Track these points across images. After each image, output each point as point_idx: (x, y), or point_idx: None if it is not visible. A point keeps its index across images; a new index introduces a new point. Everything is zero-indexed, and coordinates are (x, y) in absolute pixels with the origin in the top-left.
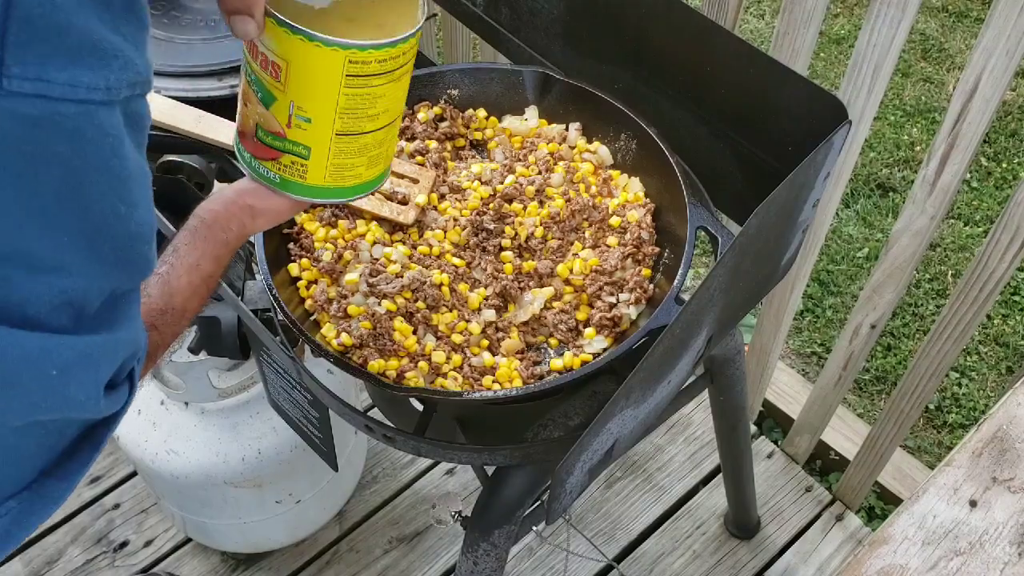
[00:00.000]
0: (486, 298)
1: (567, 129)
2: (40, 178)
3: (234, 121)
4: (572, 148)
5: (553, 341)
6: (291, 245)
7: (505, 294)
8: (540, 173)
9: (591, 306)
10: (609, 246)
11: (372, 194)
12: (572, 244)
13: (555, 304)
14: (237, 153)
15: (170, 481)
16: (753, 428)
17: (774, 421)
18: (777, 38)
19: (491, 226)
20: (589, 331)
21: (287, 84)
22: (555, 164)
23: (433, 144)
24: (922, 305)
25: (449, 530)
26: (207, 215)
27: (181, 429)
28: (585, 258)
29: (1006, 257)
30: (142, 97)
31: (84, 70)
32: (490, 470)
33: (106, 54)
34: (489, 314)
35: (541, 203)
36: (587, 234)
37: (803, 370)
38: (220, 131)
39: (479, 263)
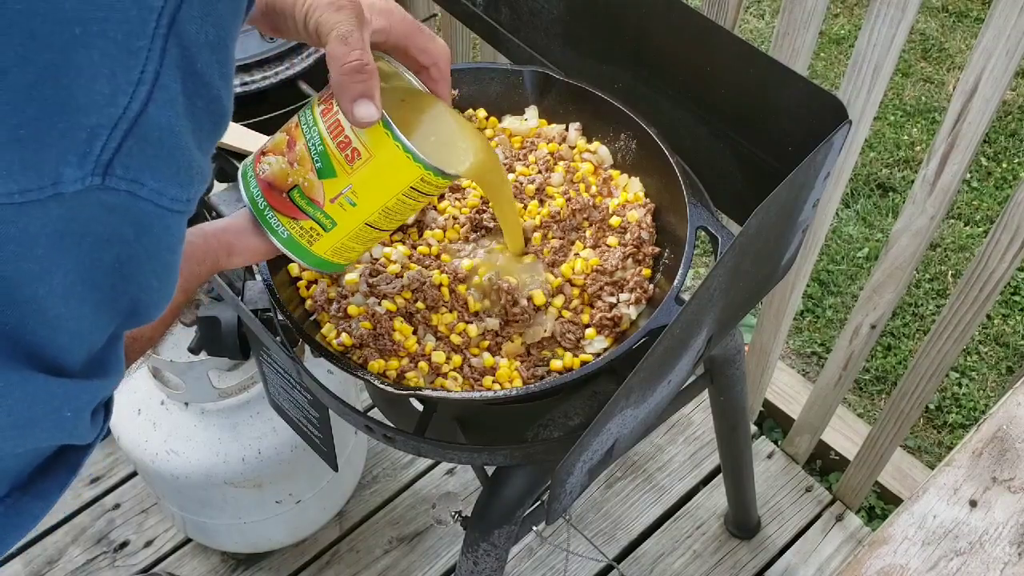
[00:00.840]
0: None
1: (567, 129)
2: (102, 253)
3: (235, 122)
4: (572, 148)
5: (560, 351)
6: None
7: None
8: (540, 172)
9: (591, 306)
10: (609, 246)
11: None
12: (573, 243)
13: (564, 312)
14: (244, 188)
15: (170, 481)
16: (753, 428)
17: (774, 421)
18: (777, 38)
19: (491, 224)
20: (589, 331)
21: (356, 171)
22: (555, 164)
23: None
24: (922, 305)
25: (449, 530)
26: (184, 247)
27: (181, 429)
28: (586, 258)
29: (1006, 257)
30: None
31: (174, 185)
32: (490, 470)
33: (193, 173)
34: (492, 322)
35: (541, 202)
36: (587, 233)
37: (803, 370)
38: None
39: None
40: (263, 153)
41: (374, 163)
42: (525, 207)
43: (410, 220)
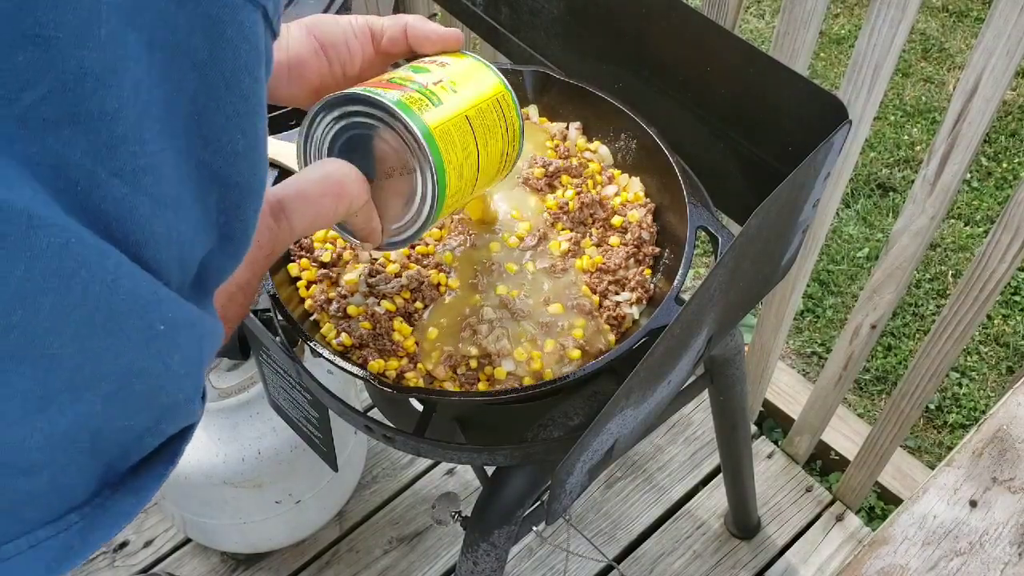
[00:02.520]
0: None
1: (567, 128)
2: (181, 86)
3: None
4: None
5: (576, 353)
6: (291, 245)
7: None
8: (562, 158)
9: (600, 306)
10: (612, 245)
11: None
12: (583, 237)
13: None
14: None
15: (170, 481)
16: (753, 428)
17: (774, 421)
18: (777, 38)
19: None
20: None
21: (448, 67)
22: (571, 156)
23: None
24: (922, 305)
25: (449, 530)
26: None
27: None
28: (591, 255)
29: (1006, 257)
30: (273, 28)
31: None
32: (490, 470)
33: None
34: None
35: (552, 188)
36: (592, 231)
37: (803, 370)
38: None
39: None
40: None
41: (462, 65)
42: (540, 190)
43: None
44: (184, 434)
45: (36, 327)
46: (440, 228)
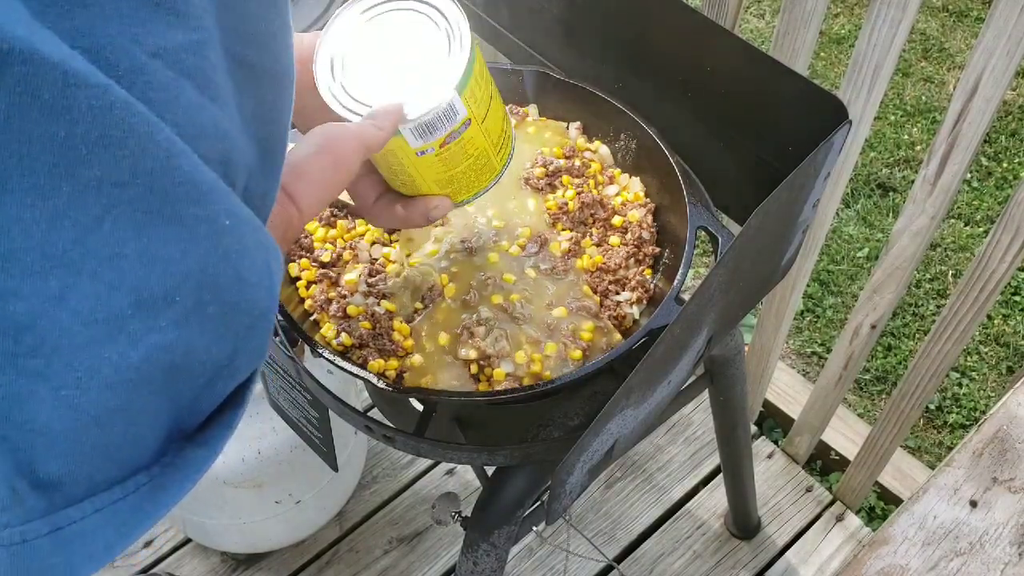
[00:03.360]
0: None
1: (567, 128)
2: None
3: None
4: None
5: (577, 354)
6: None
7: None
8: (566, 158)
9: (601, 306)
10: (612, 245)
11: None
12: (583, 237)
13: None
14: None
15: None
16: (753, 428)
17: (774, 421)
18: (777, 38)
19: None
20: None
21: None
22: (573, 156)
23: None
24: (922, 305)
25: (449, 530)
26: None
27: None
28: (591, 255)
29: (1006, 257)
30: None
31: None
32: (490, 470)
33: None
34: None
35: (552, 188)
36: (592, 231)
37: (803, 370)
38: None
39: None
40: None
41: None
42: (540, 190)
43: None
44: (251, 378)
45: (85, 211)
46: (440, 225)
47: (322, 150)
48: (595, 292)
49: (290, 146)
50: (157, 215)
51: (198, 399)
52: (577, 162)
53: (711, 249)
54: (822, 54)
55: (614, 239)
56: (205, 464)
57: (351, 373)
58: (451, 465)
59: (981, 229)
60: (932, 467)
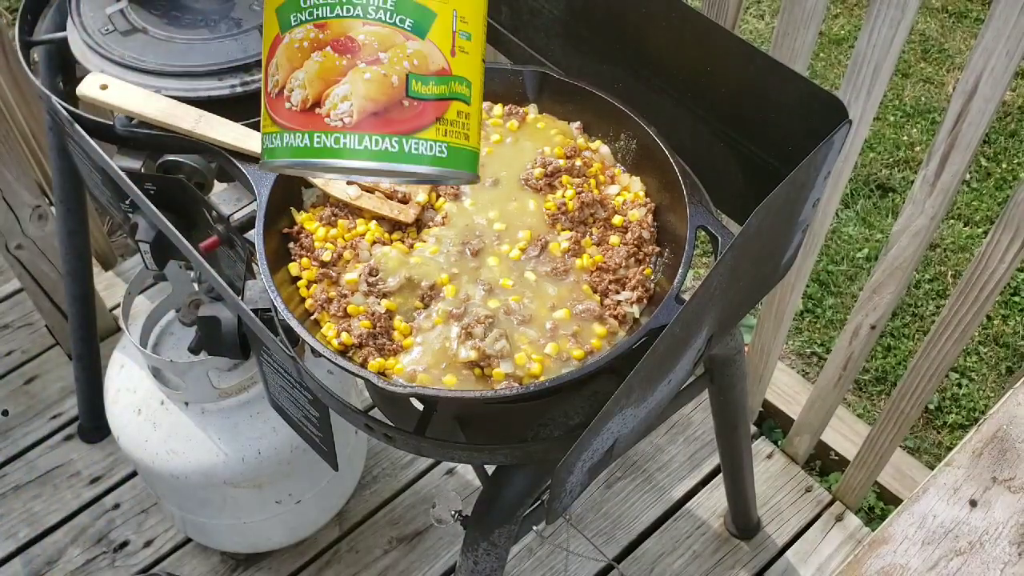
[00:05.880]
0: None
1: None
2: None
3: (234, 121)
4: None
5: (578, 353)
6: (291, 244)
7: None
8: (567, 158)
9: (601, 305)
10: (612, 244)
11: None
12: (583, 237)
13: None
14: (325, 153)
15: (170, 481)
16: (753, 428)
17: (774, 421)
18: (777, 38)
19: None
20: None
21: None
22: (574, 156)
23: None
24: (922, 305)
25: (449, 530)
26: None
27: (181, 429)
28: (591, 254)
29: (1006, 257)
30: None
31: None
32: (490, 469)
33: None
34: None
35: (552, 188)
36: (593, 231)
37: (803, 370)
38: (220, 130)
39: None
40: (297, 108)
41: None
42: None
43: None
44: None
45: None
46: (441, 225)
47: None
48: (595, 291)
49: None
50: None
51: None
52: (578, 162)
53: (711, 249)
54: (821, 55)
55: (614, 238)
56: None
57: (351, 372)
58: (451, 465)
59: (980, 230)
60: (931, 467)
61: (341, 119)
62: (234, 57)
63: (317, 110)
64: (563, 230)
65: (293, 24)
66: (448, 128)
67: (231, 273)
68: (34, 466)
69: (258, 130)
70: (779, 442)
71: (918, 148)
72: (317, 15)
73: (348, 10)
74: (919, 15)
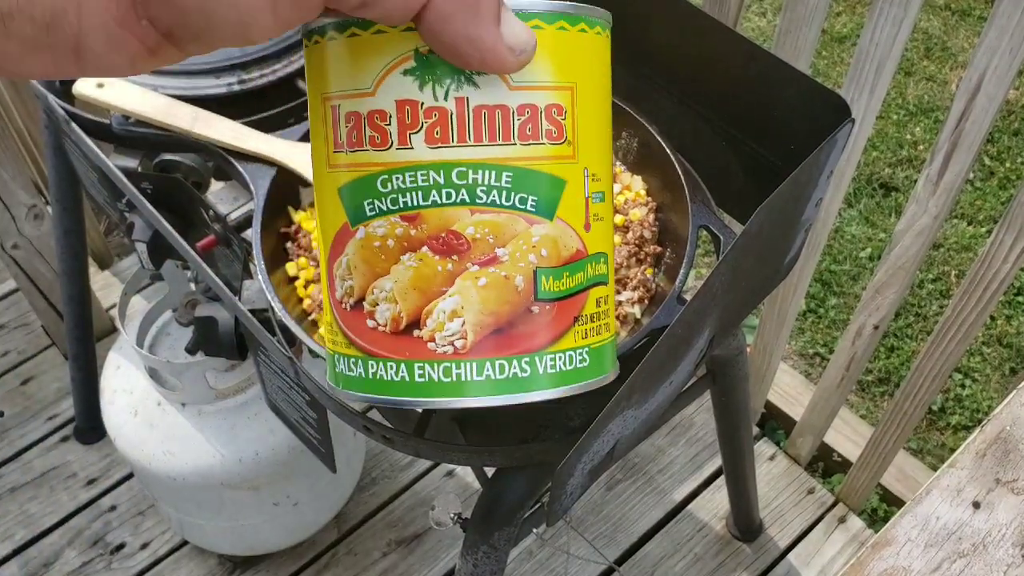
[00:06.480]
0: None
1: None
2: None
3: (232, 120)
4: None
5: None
6: (289, 244)
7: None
8: None
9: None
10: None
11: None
12: None
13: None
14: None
15: (167, 483)
16: (755, 430)
17: (776, 423)
18: (779, 36)
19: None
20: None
21: (578, 135)
22: None
23: None
24: (925, 306)
25: (448, 532)
26: None
27: (178, 431)
28: None
29: (1009, 257)
30: None
31: None
32: (490, 471)
33: None
34: None
35: None
36: None
37: (806, 371)
38: (217, 129)
39: None
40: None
41: (583, 92)
42: None
43: None
44: None
45: None
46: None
47: None
48: None
49: None
50: None
51: None
52: None
53: (713, 248)
54: (824, 53)
55: (615, 238)
56: None
57: None
58: (451, 466)
59: (984, 229)
60: (935, 469)
61: (451, 343)
62: (231, 55)
63: (416, 332)
64: None
65: (370, 215)
66: (589, 328)
67: (228, 273)
68: (30, 467)
69: (256, 128)
70: (781, 443)
71: (921, 147)
72: (404, 203)
73: (449, 196)
74: (922, 13)
